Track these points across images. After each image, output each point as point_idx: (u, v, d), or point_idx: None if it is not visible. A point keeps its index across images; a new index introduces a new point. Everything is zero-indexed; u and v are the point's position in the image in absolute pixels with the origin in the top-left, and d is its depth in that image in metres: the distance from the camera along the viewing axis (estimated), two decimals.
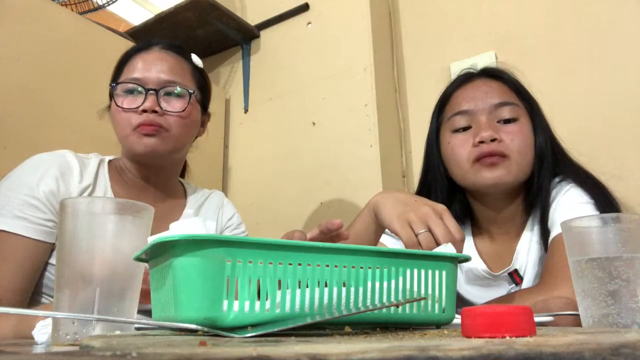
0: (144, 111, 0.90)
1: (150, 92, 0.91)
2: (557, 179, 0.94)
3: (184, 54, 0.99)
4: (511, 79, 1.00)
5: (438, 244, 0.68)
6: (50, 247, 0.84)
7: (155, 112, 0.90)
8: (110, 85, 0.94)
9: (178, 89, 0.94)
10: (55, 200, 0.83)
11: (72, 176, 0.88)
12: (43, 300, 0.86)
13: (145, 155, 0.92)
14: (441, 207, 0.73)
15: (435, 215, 0.71)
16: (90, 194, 0.90)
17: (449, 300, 0.49)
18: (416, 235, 0.70)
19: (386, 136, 1.48)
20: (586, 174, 0.95)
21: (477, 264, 0.98)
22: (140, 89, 0.91)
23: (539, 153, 0.94)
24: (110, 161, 0.98)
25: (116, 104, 0.91)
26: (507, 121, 0.93)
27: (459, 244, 0.69)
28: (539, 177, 0.94)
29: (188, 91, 0.95)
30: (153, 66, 0.93)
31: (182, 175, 1.13)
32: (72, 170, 0.89)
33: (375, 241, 0.88)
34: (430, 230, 0.70)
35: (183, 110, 0.93)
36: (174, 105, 0.93)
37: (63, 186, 0.86)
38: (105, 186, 0.93)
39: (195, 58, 1.02)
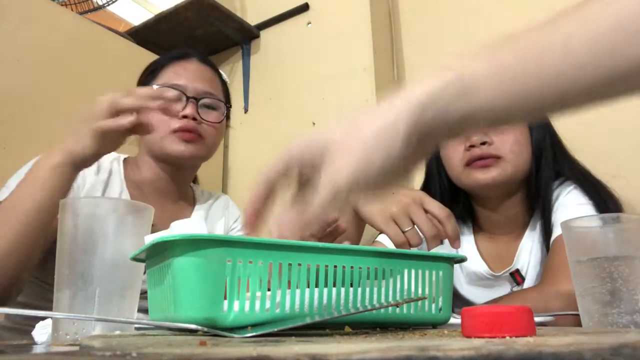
0: (184, 117, 0.94)
1: (191, 100, 0.95)
2: (558, 181, 0.94)
3: (216, 69, 1.05)
4: None
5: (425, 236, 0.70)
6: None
7: (194, 119, 0.95)
8: (154, 87, 0.96)
9: (216, 101, 1.00)
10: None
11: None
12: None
13: (180, 158, 0.95)
14: (419, 194, 0.73)
15: (416, 206, 0.71)
16: (105, 189, 0.92)
17: (445, 300, 0.49)
18: (403, 232, 0.71)
19: None
20: (586, 174, 0.94)
21: (478, 264, 0.98)
22: (181, 95, 0.95)
23: (536, 149, 0.94)
24: (125, 159, 1.00)
25: None
26: None
27: (446, 224, 0.70)
28: (538, 174, 0.94)
29: (224, 104, 1.02)
30: (194, 76, 0.98)
31: (193, 181, 1.16)
32: None
33: (359, 235, 0.88)
34: (414, 224, 0.71)
35: (219, 122, 1.00)
36: (211, 116, 0.98)
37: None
38: (121, 183, 0.95)
39: (224, 75, 1.07)
